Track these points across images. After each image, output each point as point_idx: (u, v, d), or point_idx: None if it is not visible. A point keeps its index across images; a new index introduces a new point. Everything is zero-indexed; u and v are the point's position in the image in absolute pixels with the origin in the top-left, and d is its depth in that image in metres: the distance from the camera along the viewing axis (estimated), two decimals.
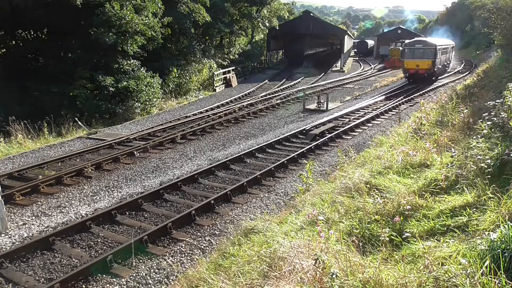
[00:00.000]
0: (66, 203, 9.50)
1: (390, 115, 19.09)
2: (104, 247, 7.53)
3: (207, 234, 7.93)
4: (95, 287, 6.35)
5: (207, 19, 28.80)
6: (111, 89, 20.35)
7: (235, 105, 23.22)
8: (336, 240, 4.71)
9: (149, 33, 21.92)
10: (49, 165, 12.18)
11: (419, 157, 7.89)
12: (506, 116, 7.22)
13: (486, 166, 5.78)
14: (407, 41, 33.52)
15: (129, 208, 9.08)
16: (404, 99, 22.97)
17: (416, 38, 32.96)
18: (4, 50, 21.33)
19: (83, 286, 6.35)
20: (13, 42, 21.70)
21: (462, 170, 6.24)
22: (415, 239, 4.59)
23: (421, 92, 25.40)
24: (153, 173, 11.65)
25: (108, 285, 6.36)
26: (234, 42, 41.66)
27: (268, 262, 4.59)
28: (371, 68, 49.15)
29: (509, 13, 17.83)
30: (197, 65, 29.52)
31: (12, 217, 8.73)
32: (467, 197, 5.36)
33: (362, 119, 17.71)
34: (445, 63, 34.83)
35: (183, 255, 7.19)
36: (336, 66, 47.95)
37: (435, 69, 28.69)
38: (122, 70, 21.48)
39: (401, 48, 33.07)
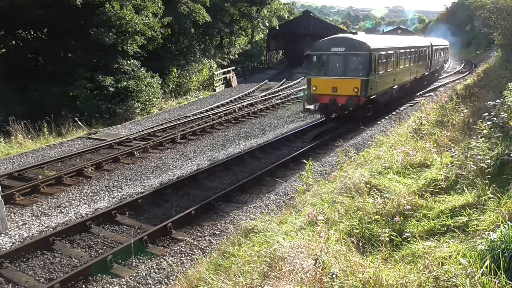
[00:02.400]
0: (66, 203, 9.50)
1: None
2: (104, 247, 7.53)
3: (207, 234, 7.93)
4: (95, 287, 6.35)
5: (207, 19, 28.81)
6: (111, 89, 20.35)
7: (235, 105, 23.22)
8: (336, 240, 4.70)
9: (149, 33, 21.92)
10: (49, 165, 12.18)
11: (419, 157, 7.88)
12: (506, 116, 7.20)
13: (486, 166, 5.76)
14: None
15: (129, 208, 9.08)
16: None
17: (337, 35, 17.69)
18: (4, 50, 21.33)
19: (83, 286, 6.35)
20: (13, 42, 21.70)
21: (462, 170, 6.23)
22: (415, 239, 4.58)
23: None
24: (153, 173, 11.64)
25: (108, 285, 6.36)
26: (234, 42, 41.67)
27: (268, 262, 4.58)
28: None
29: (509, 13, 17.82)
30: (197, 65, 29.52)
31: (12, 217, 8.73)
32: (467, 197, 5.35)
33: None
34: (415, 79, 22.42)
35: (183, 255, 7.19)
36: None
37: (370, 96, 15.73)
38: (122, 70, 21.48)
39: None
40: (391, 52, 17.70)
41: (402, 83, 20.11)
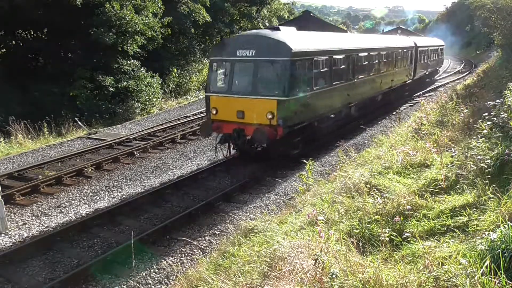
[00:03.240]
0: (66, 203, 9.50)
1: None
2: (104, 247, 7.52)
3: (207, 234, 7.93)
4: (95, 287, 6.35)
5: (207, 19, 28.82)
6: (111, 89, 20.37)
7: None
8: (336, 240, 4.71)
9: (149, 33, 21.93)
10: (49, 165, 12.17)
11: (419, 157, 7.88)
12: (506, 116, 7.22)
13: (486, 166, 5.77)
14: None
15: (129, 207, 9.08)
16: None
17: (247, 32, 14.76)
18: (4, 50, 21.34)
19: (83, 286, 6.35)
20: (13, 42, 21.70)
21: (462, 170, 6.24)
22: (415, 239, 4.58)
23: None
24: (153, 173, 11.64)
25: (108, 285, 6.36)
26: None
27: (268, 262, 4.59)
28: None
29: (509, 13, 17.82)
30: (197, 65, 29.53)
31: (12, 217, 8.73)
32: (467, 197, 5.36)
33: None
34: (390, 89, 18.60)
35: (183, 255, 7.19)
36: None
37: (296, 124, 10.91)
38: (122, 70, 21.49)
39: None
40: (340, 56, 12.84)
41: (365, 98, 15.83)
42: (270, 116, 10.04)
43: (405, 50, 20.21)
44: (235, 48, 10.67)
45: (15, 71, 20.23)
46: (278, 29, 11.44)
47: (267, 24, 45.61)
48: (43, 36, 21.91)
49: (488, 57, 37.07)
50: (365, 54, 15.05)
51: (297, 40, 11.01)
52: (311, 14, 53.56)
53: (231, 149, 11.92)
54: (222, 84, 11.14)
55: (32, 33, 21.80)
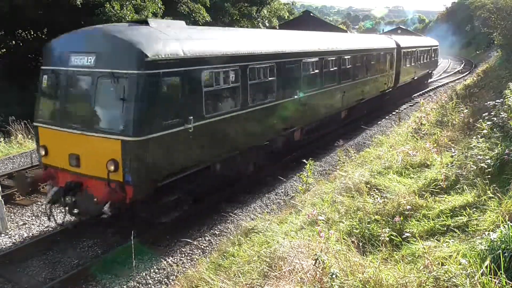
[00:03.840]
0: None
1: None
2: (104, 247, 7.51)
3: (207, 234, 7.92)
4: (95, 287, 6.35)
5: (207, 19, 28.82)
6: None
7: None
8: (336, 240, 4.71)
9: None
10: None
11: (419, 157, 7.89)
12: (506, 116, 7.23)
13: (486, 166, 5.78)
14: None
15: None
16: None
17: (87, 28, 8.01)
18: (4, 50, 21.35)
19: (83, 286, 6.35)
20: (13, 42, 21.71)
21: (462, 170, 6.25)
22: (415, 239, 4.59)
23: None
24: None
25: (108, 285, 6.36)
26: None
27: (268, 262, 4.59)
28: None
29: (509, 13, 17.83)
30: None
31: (12, 217, 8.73)
32: (467, 197, 5.37)
33: None
34: (360, 102, 15.45)
35: (183, 255, 7.19)
36: None
37: (171, 175, 6.89)
38: None
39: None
40: (265, 65, 9.06)
41: (318, 118, 12.47)
42: (112, 167, 6.25)
43: (382, 53, 16.78)
44: (69, 51, 6.94)
45: (15, 71, 20.23)
46: (145, 22, 7.48)
47: (267, 24, 45.68)
48: (43, 36, 21.91)
49: (488, 57, 37.09)
50: (315, 59, 11.30)
51: (169, 40, 6.90)
52: (311, 14, 53.59)
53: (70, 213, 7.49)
54: (53, 110, 7.30)
55: (32, 33, 21.81)
